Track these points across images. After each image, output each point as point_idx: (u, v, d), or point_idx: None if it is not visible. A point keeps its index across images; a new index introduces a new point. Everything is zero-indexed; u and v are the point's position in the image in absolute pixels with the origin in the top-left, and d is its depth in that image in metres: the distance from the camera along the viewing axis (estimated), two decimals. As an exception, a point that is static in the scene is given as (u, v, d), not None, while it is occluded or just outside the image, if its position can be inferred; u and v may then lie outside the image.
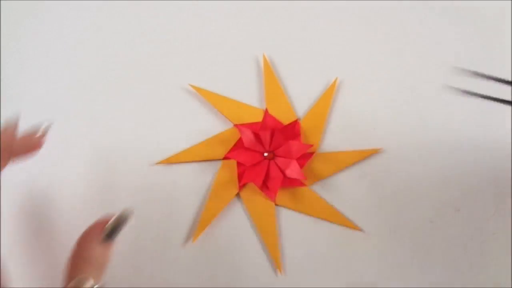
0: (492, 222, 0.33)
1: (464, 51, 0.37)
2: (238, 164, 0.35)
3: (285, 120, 0.35)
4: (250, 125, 0.35)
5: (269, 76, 0.36)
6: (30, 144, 0.29)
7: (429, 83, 0.36)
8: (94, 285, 0.25)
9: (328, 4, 0.39)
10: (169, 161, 0.35)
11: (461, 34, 0.37)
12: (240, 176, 0.34)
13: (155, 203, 0.35)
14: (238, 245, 0.34)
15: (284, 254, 0.34)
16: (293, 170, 0.33)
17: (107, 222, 0.27)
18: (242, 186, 0.34)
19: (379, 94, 0.37)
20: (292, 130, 0.34)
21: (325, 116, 0.35)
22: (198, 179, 0.35)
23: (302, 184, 0.34)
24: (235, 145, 0.35)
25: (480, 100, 0.31)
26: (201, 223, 0.34)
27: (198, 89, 0.36)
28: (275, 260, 0.33)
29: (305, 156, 0.34)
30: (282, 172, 0.34)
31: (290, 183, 0.34)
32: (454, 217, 0.34)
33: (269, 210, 0.34)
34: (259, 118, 0.35)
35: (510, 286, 0.32)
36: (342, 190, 0.35)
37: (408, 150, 0.35)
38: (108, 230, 0.27)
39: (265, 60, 0.37)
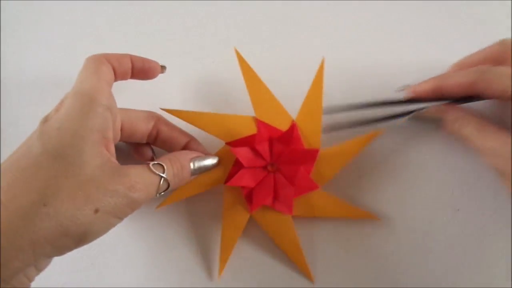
0: (492, 222, 0.33)
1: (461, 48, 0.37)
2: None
3: (280, 123, 0.32)
4: (244, 140, 0.31)
5: (249, 74, 0.32)
6: (149, 67, 0.30)
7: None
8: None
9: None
10: (170, 201, 0.32)
11: (458, 31, 0.37)
12: (247, 197, 0.31)
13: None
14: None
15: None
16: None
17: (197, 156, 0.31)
18: (253, 210, 0.31)
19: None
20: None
21: (320, 108, 0.31)
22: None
23: (314, 188, 0.31)
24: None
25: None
26: (222, 256, 0.32)
27: (172, 111, 0.32)
28: (306, 272, 0.32)
29: (310, 160, 0.31)
30: (291, 182, 0.31)
31: (302, 190, 0.31)
32: (454, 217, 0.33)
33: (287, 224, 0.31)
34: (251, 127, 0.31)
35: (510, 286, 0.32)
36: (334, 189, 0.33)
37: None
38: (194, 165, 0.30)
39: (238, 55, 0.31)
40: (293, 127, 0.31)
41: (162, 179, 0.27)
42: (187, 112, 0.31)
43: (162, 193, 0.28)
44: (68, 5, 0.40)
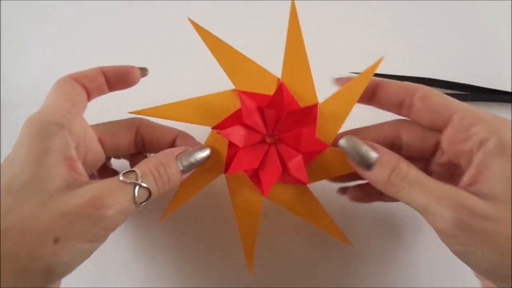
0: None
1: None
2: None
3: (266, 87, 0.27)
4: (230, 119, 0.27)
5: (213, 42, 0.26)
6: (125, 74, 0.27)
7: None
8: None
9: None
10: (172, 208, 0.29)
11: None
12: (253, 177, 0.28)
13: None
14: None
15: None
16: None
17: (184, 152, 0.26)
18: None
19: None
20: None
21: (305, 56, 0.26)
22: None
23: (323, 148, 0.27)
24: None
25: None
26: (246, 250, 0.28)
27: (140, 112, 0.27)
28: (340, 237, 0.28)
29: (310, 120, 0.27)
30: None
31: (311, 156, 0.27)
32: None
33: (306, 195, 0.28)
34: (234, 102, 0.27)
35: (510, 286, 0.32)
36: (335, 186, 0.32)
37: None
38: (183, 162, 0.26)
39: (194, 25, 0.26)
40: (280, 87, 0.26)
41: (137, 187, 0.23)
42: (157, 107, 0.27)
43: (144, 203, 0.24)
44: (69, 6, 0.40)
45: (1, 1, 0.40)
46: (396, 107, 0.26)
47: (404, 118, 0.26)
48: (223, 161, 0.27)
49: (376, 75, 0.35)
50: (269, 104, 0.26)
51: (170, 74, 0.37)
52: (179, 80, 0.37)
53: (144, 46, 0.38)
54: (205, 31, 0.26)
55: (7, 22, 0.40)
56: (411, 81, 0.34)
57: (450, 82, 0.35)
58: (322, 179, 0.28)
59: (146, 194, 0.24)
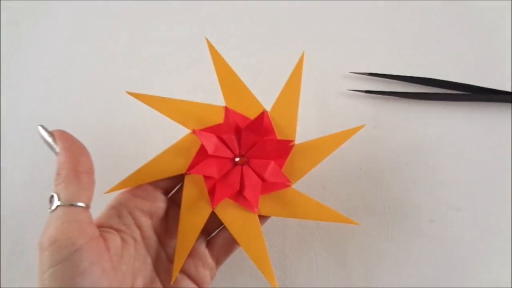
0: (492, 222, 0.33)
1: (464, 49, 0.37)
2: (206, 176, 0.29)
3: (253, 114, 0.29)
4: (211, 129, 0.29)
5: (219, 63, 0.29)
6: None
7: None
8: None
9: None
10: (120, 187, 0.28)
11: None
12: (210, 191, 0.28)
13: None
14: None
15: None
16: (272, 173, 0.29)
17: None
18: (216, 204, 0.28)
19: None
20: (260, 124, 0.29)
21: (297, 100, 0.29)
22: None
23: (285, 185, 0.29)
24: (197, 154, 0.29)
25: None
26: (177, 258, 0.28)
27: (137, 95, 0.28)
28: (268, 275, 0.27)
29: (283, 153, 0.29)
30: (260, 176, 0.29)
31: (271, 187, 0.29)
32: (454, 217, 0.33)
33: (252, 223, 0.28)
34: (221, 117, 0.29)
35: (510, 286, 0.32)
36: (335, 188, 0.33)
37: (407, 149, 0.35)
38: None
39: (209, 45, 0.29)
40: (262, 114, 0.28)
41: (56, 207, 0.23)
42: (151, 96, 0.28)
43: (58, 203, 0.23)
44: (69, 6, 0.40)
45: (1, 1, 0.40)
46: None
47: None
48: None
49: (377, 75, 0.36)
50: (249, 126, 0.29)
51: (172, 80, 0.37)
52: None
53: (144, 47, 0.39)
54: (216, 52, 0.29)
55: (7, 22, 0.40)
56: (411, 81, 0.35)
57: (450, 82, 0.35)
58: (273, 215, 0.29)
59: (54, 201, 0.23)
